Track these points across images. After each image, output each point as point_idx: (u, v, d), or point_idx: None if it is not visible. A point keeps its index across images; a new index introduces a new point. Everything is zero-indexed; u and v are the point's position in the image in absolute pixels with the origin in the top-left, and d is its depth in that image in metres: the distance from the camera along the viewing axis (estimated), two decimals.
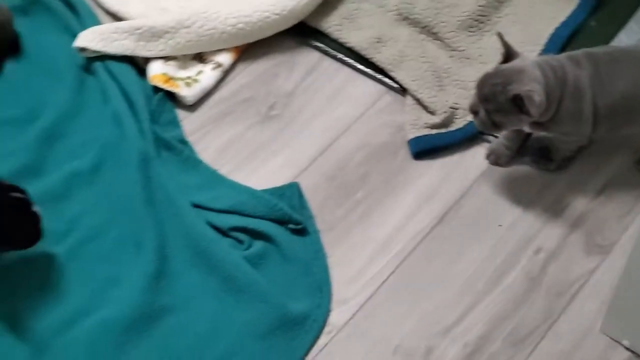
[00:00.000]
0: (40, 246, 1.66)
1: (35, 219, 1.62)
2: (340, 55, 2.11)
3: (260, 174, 1.89)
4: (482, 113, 1.68)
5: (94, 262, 1.72)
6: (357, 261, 1.75)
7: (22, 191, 1.61)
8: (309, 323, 1.63)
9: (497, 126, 1.68)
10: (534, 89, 1.60)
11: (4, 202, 1.57)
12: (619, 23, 2.11)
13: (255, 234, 1.74)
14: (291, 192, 1.82)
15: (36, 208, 1.62)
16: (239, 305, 1.64)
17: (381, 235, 1.79)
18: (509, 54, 1.68)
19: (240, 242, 1.74)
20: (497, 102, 1.63)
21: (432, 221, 1.81)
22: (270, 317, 1.62)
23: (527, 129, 1.76)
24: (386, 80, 2.05)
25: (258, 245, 1.73)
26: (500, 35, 1.68)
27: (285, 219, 1.75)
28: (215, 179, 1.85)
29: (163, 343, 1.59)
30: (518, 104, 1.61)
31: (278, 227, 1.75)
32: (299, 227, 1.75)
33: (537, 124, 1.72)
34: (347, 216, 1.82)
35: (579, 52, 1.74)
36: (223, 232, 1.75)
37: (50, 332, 1.61)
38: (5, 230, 1.58)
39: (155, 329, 1.61)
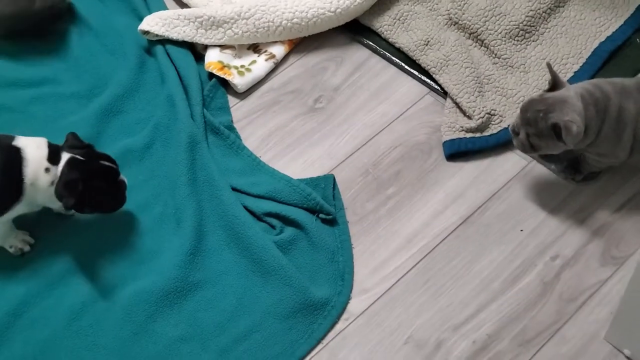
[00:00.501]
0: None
1: (121, 186, 1.78)
2: (388, 54, 2.20)
3: (299, 163, 2.00)
4: (522, 135, 1.77)
5: (138, 234, 1.86)
6: (382, 253, 1.85)
7: (112, 160, 1.77)
8: (328, 309, 1.74)
9: (534, 149, 1.77)
10: (573, 120, 1.69)
11: (95, 170, 1.73)
12: None
13: (288, 221, 1.86)
14: (326, 183, 1.92)
15: (122, 176, 1.78)
16: (265, 286, 1.76)
17: (407, 230, 1.88)
18: (555, 83, 1.76)
19: (272, 227, 1.86)
20: (538, 127, 1.73)
21: (457, 221, 1.89)
22: (293, 300, 1.74)
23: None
24: (429, 81, 2.13)
25: (289, 231, 1.84)
26: (549, 65, 1.76)
27: (317, 208, 1.86)
28: (256, 165, 1.97)
29: (192, 316, 1.73)
30: (557, 132, 1.70)
31: (310, 215, 1.86)
32: (330, 217, 1.86)
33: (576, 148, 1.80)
34: (377, 210, 1.92)
35: (632, 83, 1.79)
36: (257, 216, 1.87)
37: (92, 297, 1.76)
38: (95, 196, 1.73)
39: (185, 302, 1.75)
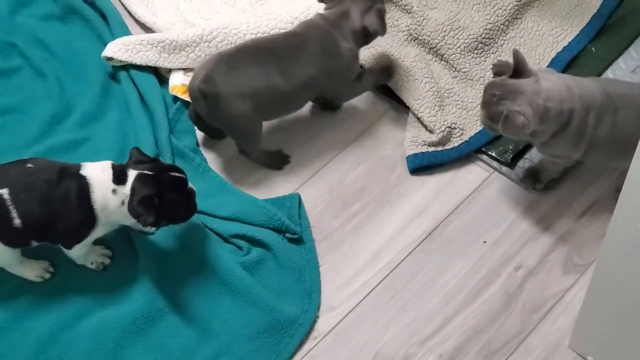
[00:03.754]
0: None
1: (192, 194, 1.79)
2: None
3: (265, 183, 2.03)
4: (482, 114, 1.80)
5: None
6: (348, 270, 1.87)
7: (180, 170, 1.78)
8: (295, 327, 1.77)
9: (492, 129, 1.79)
10: (521, 112, 1.70)
11: (166, 182, 1.73)
12: (619, 50, 2.19)
13: (254, 242, 1.89)
14: (291, 202, 1.95)
15: (191, 185, 1.79)
16: (232, 309, 1.79)
17: (373, 246, 1.91)
18: (518, 70, 1.76)
19: (239, 248, 1.89)
20: (491, 110, 1.76)
21: (422, 235, 1.93)
22: (260, 321, 1.77)
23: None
24: (390, 97, 2.16)
25: (256, 252, 1.87)
26: (516, 52, 1.76)
27: (283, 228, 1.89)
28: (222, 187, 2.00)
29: (159, 342, 1.75)
30: (504, 119, 1.72)
31: (276, 235, 1.89)
32: (296, 236, 1.89)
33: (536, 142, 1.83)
34: (342, 227, 1.95)
35: (598, 88, 1.79)
36: (225, 238, 1.90)
37: (59, 327, 1.78)
38: (170, 208, 1.74)
39: (152, 329, 1.77)
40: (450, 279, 1.85)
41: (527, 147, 2.02)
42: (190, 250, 1.87)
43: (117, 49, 2.20)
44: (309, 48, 1.97)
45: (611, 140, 1.78)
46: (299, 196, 1.97)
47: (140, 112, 2.11)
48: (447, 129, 2.05)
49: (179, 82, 2.19)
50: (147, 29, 2.36)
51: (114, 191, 1.71)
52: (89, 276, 1.85)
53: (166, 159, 2.01)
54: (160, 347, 1.74)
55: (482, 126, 1.86)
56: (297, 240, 1.90)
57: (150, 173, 1.72)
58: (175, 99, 2.18)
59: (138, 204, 1.68)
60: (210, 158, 2.08)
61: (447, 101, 2.11)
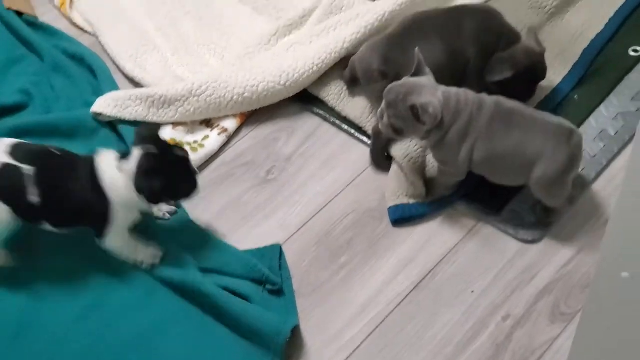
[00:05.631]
0: None
1: (194, 173, 1.87)
2: (337, 122, 2.26)
3: (252, 236, 2.04)
4: (385, 118, 1.88)
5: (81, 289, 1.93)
6: (336, 324, 1.88)
7: (184, 150, 1.88)
8: None
9: (397, 132, 1.89)
10: (429, 102, 1.81)
11: (172, 159, 1.84)
12: (600, 97, 2.23)
13: (235, 294, 1.89)
14: (272, 253, 1.96)
15: (193, 165, 1.88)
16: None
17: (361, 299, 1.92)
18: (418, 70, 1.88)
19: None
20: (398, 109, 1.85)
21: (410, 286, 1.94)
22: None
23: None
24: None
25: None
26: (417, 52, 1.88)
27: (264, 279, 1.91)
28: (202, 239, 2.01)
29: None
30: (415, 113, 1.81)
31: (256, 287, 1.90)
32: (276, 287, 1.90)
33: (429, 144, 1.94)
34: (330, 279, 1.96)
35: (491, 98, 1.91)
36: None
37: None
38: (174, 183, 1.84)
39: None
40: (439, 331, 1.86)
41: (511, 195, 2.04)
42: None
43: (106, 105, 2.23)
44: (468, 25, 2.11)
45: (494, 155, 1.88)
46: (280, 247, 1.99)
47: None
48: (428, 181, 2.07)
49: (168, 136, 2.22)
50: (136, 83, 2.39)
51: (119, 169, 1.80)
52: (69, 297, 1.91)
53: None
54: None
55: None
56: (278, 292, 1.91)
57: (154, 152, 1.80)
58: None
59: (141, 177, 1.78)
60: (199, 211, 2.09)
61: (428, 151, 2.13)
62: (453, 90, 1.90)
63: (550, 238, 2.00)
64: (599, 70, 2.29)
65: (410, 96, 1.84)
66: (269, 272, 1.91)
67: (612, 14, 2.41)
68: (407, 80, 1.88)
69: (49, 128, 2.24)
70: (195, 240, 2.00)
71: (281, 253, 1.97)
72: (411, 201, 2.04)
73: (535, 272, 1.94)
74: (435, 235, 2.02)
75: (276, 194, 2.13)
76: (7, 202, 1.82)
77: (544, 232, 2.00)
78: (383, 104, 1.89)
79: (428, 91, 1.85)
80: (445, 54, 2.08)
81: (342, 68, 2.29)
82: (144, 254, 1.93)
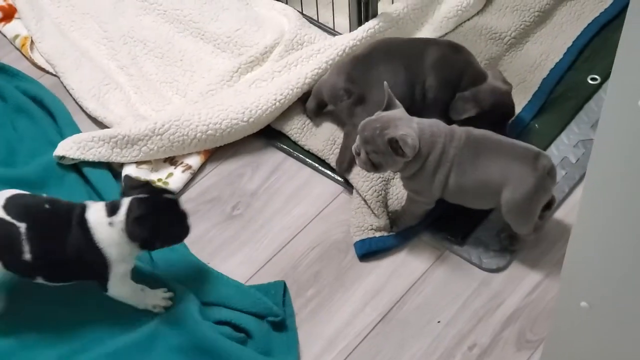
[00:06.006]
0: None
1: (185, 216, 1.85)
2: (302, 156, 2.27)
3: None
4: (362, 154, 1.90)
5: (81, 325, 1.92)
6: (304, 358, 1.88)
7: (172, 192, 1.88)
8: None
9: (375, 167, 1.90)
10: (407, 134, 1.83)
11: (161, 203, 1.82)
12: (561, 125, 2.26)
13: (238, 329, 1.89)
14: (276, 289, 1.96)
15: (183, 207, 1.85)
16: None
17: (329, 332, 1.93)
18: (389, 104, 1.91)
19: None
20: (376, 144, 1.87)
21: (377, 317, 1.94)
22: None
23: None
24: (342, 180, 2.20)
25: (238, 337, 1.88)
26: (385, 86, 1.91)
27: (267, 312, 1.90)
28: (204, 273, 2.00)
29: None
30: (393, 146, 1.84)
31: (259, 321, 1.90)
32: (278, 319, 1.90)
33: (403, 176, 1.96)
34: (298, 313, 1.96)
35: (461, 128, 1.94)
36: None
37: None
38: (163, 225, 1.81)
39: None
40: None
41: (476, 224, 2.06)
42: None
43: (68, 147, 2.22)
44: (431, 55, 2.15)
45: (465, 183, 1.92)
46: (284, 283, 1.98)
47: None
48: (393, 212, 2.08)
49: (132, 174, 2.21)
50: (99, 122, 2.39)
51: (110, 224, 1.77)
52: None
53: None
54: None
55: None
56: (280, 326, 1.90)
57: (143, 196, 1.79)
58: None
59: (133, 223, 1.76)
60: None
61: (392, 182, 2.14)
62: (426, 121, 1.92)
63: (515, 266, 2.01)
64: (559, 98, 2.33)
65: (386, 130, 1.85)
66: (272, 304, 1.90)
67: (570, 43, 2.45)
68: (380, 114, 1.89)
69: (17, 180, 2.21)
70: (197, 275, 1.99)
71: (285, 289, 1.97)
72: (377, 234, 2.05)
73: (500, 300, 1.95)
74: (402, 266, 2.03)
75: (242, 230, 2.13)
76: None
77: (509, 260, 2.02)
78: (358, 140, 1.90)
79: (403, 123, 1.87)
80: (405, 79, 2.11)
81: (303, 102, 2.30)
82: (154, 297, 1.91)
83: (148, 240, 1.80)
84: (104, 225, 1.78)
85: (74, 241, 1.79)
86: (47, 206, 1.83)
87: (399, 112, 1.90)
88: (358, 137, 1.90)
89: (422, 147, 1.87)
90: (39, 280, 1.84)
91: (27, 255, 1.79)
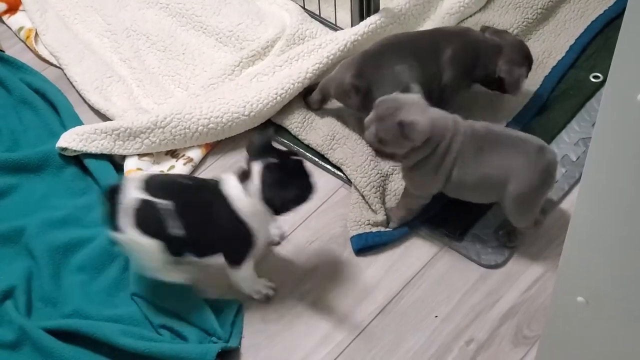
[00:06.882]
0: None
1: (311, 175, 1.86)
2: (301, 150, 2.27)
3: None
4: (372, 128, 1.90)
5: None
6: (301, 350, 1.89)
7: (297, 154, 1.91)
8: None
9: (381, 143, 1.89)
10: (417, 120, 1.84)
11: (291, 165, 1.84)
12: (562, 123, 2.26)
13: (179, 336, 1.89)
14: (230, 308, 1.94)
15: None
16: None
17: (326, 325, 1.93)
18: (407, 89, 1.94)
19: (160, 335, 1.90)
20: (387, 122, 1.87)
21: (374, 311, 1.95)
22: None
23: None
24: (341, 174, 2.20)
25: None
26: (416, 88, 1.94)
27: (211, 331, 1.88)
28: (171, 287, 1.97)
29: None
30: (403, 129, 1.83)
31: (203, 335, 1.88)
32: (220, 342, 1.87)
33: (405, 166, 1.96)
34: (295, 306, 1.96)
35: (465, 122, 1.94)
36: (153, 326, 1.91)
37: None
38: (298, 191, 1.83)
39: None
40: (403, 356, 1.87)
41: (474, 220, 2.06)
42: None
43: (71, 139, 2.23)
44: (445, 50, 2.15)
45: (468, 177, 1.92)
46: (240, 305, 1.96)
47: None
48: (388, 208, 2.09)
49: (133, 167, 2.23)
50: (101, 115, 2.40)
51: (247, 194, 1.79)
52: None
53: None
54: None
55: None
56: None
57: (273, 161, 1.79)
58: None
59: (269, 190, 1.77)
60: None
61: (391, 178, 2.15)
62: (440, 112, 1.93)
63: (513, 262, 2.02)
64: (560, 96, 2.33)
65: (399, 111, 1.86)
66: (217, 326, 1.88)
67: (572, 41, 2.46)
68: (398, 95, 1.91)
69: (16, 165, 2.24)
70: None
71: (239, 311, 1.94)
72: (374, 229, 2.05)
73: (498, 296, 1.96)
74: (400, 261, 2.03)
75: None
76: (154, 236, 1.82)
77: (507, 257, 2.02)
78: (372, 114, 1.91)
79: (418, 109, 1.88)
80: (421, 75, 2.10)
81: (303, 96, 2.32)
82: (261, 283, 1.95)
83: (284, 205, 1.81)
84: (243, 198, 1.79)
85: (220, 215, 1.81)
86: (187, 182, 1.89)
87: (417, 97, 1.92)
88: (372, 111, 1.91)
89: (432, 136, 1.87)
90: (188, 257, 1.87)
91: (179, 232, 1.80)
